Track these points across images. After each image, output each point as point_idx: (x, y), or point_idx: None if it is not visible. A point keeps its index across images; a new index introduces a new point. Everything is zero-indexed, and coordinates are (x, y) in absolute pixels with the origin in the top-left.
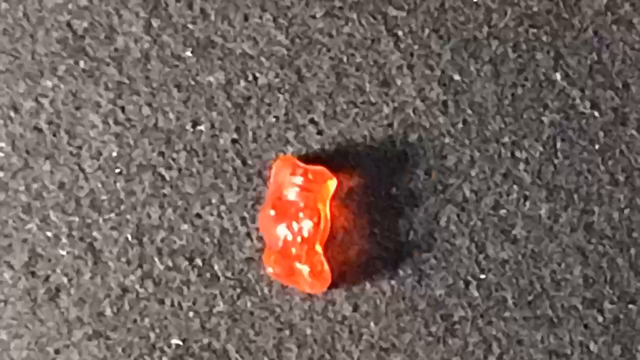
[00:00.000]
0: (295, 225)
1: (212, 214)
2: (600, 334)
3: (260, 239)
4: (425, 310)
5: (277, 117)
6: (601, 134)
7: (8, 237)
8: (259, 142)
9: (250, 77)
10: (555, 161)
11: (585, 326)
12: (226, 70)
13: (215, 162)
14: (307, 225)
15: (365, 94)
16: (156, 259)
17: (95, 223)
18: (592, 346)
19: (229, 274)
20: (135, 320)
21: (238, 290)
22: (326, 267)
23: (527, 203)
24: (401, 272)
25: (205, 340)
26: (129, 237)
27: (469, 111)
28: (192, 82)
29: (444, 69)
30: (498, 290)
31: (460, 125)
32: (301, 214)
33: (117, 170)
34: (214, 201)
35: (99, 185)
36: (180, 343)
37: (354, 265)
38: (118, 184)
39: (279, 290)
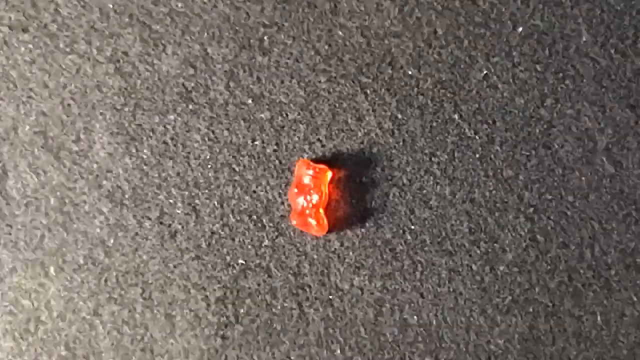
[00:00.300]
0: (308, 197)
1: (262, 191)
2: (478, 259)
3: (289, 205)
4: (380, 245)
5: (299, 137)
6: (480, 148)
7: (148, 202)
8: (289, 150)
9: (285, 115)
10: (454, 164)
11: (470, 255)
12: (271, 111)
13: (264, 162)
14: (315, 198)
15: (348, 125)
16: (231, 216)
17: (197, 195)
18: (473, 266)
19: (271, 224)
20: (218, 249)
21: (276, 233)
22: (325, 221)
23: (438, 187)
24: (367, 224)
25: (257, 261)
26: (216, 203)
27: (406, 135)
28: (252, 117)
29: (392, 111)
30: (421, 235)
31: (401, 143)
32: (312, 191)
33: (209, 166)
34: (263, 183)
35: (199, 174)
36: (243, 262)
37: (341, 221)
38: (209, 173)
39: (299, 233)
